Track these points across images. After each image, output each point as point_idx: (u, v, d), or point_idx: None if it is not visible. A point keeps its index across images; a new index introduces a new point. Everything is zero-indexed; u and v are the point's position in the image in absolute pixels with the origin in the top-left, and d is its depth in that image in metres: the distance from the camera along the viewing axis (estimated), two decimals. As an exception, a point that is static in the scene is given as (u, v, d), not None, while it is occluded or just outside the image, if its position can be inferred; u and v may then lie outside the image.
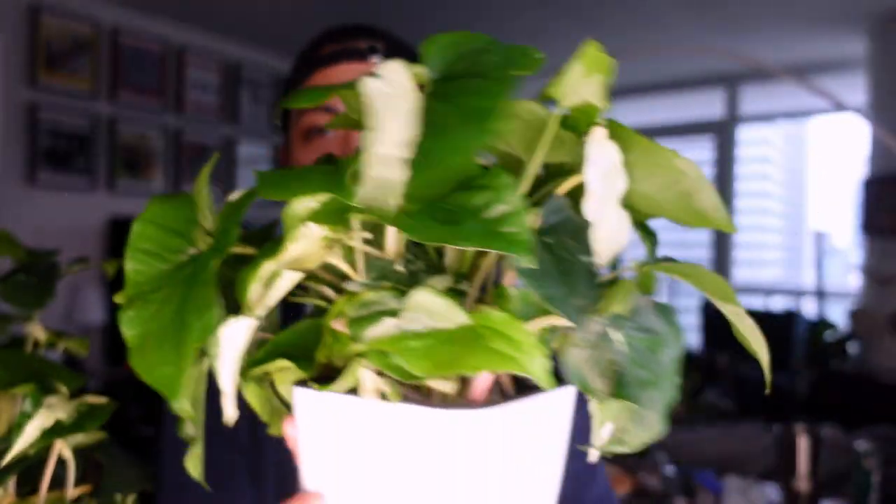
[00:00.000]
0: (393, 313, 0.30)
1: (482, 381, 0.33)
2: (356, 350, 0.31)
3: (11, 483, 0.47)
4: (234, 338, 0.32)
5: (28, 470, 0.46)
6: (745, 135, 5.23)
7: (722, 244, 4.96)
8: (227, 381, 0.33)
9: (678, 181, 0.33)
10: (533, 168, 0.34)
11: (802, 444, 1.39)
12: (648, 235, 0.37)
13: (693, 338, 4.94)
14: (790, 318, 4.39)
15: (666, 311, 0.35)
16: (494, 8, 3.66)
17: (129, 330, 0.33)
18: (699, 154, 5.08)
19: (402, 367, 0.28)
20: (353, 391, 0.32)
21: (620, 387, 0.32)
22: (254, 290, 0.33)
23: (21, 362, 0.46)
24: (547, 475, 0.35)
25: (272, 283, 0.33)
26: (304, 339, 0.34)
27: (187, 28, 4.01)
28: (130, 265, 0.35)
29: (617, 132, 0.32)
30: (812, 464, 1.38)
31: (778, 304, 5.29)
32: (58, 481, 0.48)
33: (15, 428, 0.43)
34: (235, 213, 0.34)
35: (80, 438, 0.48)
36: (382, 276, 0.34)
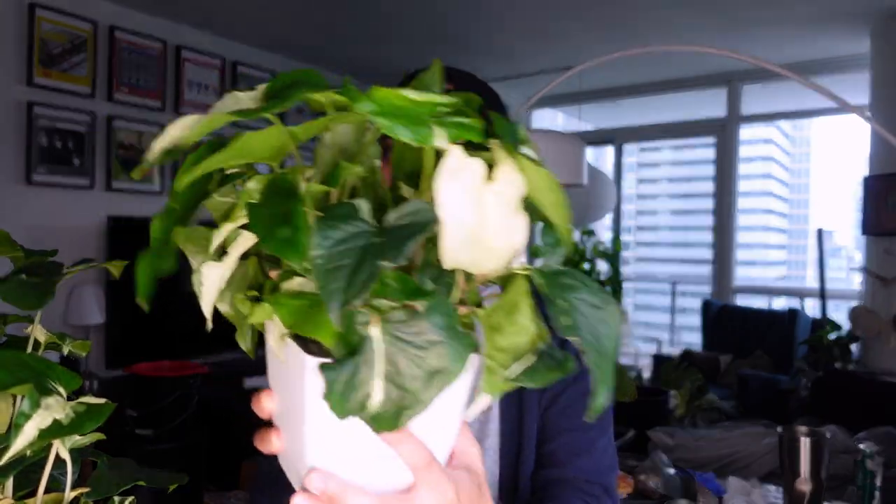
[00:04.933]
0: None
1: None
2: None
3: (9, 485, 0.47)
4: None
5: (25, 471, 0.46)
6: (747, 134, 5.23)
7: (724, 244, 4.95)
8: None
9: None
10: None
11: (805, 446, 1.38)
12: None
13: (695, 338, 4.93)
14: (793, 317, 4.38)
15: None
16: (495, 8, 3.66)
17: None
18: (701, 153, 5.08)
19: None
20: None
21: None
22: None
23: (18, 362, 0.45)
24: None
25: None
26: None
27: (185, 27, 4.01)
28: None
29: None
30: (814, 465, 1.37)
31: (780, 303, 5.28)
32: (55, 483, 0.48)
33: (13, 429, 0.42)
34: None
35: (78, 439, 0.48)
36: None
